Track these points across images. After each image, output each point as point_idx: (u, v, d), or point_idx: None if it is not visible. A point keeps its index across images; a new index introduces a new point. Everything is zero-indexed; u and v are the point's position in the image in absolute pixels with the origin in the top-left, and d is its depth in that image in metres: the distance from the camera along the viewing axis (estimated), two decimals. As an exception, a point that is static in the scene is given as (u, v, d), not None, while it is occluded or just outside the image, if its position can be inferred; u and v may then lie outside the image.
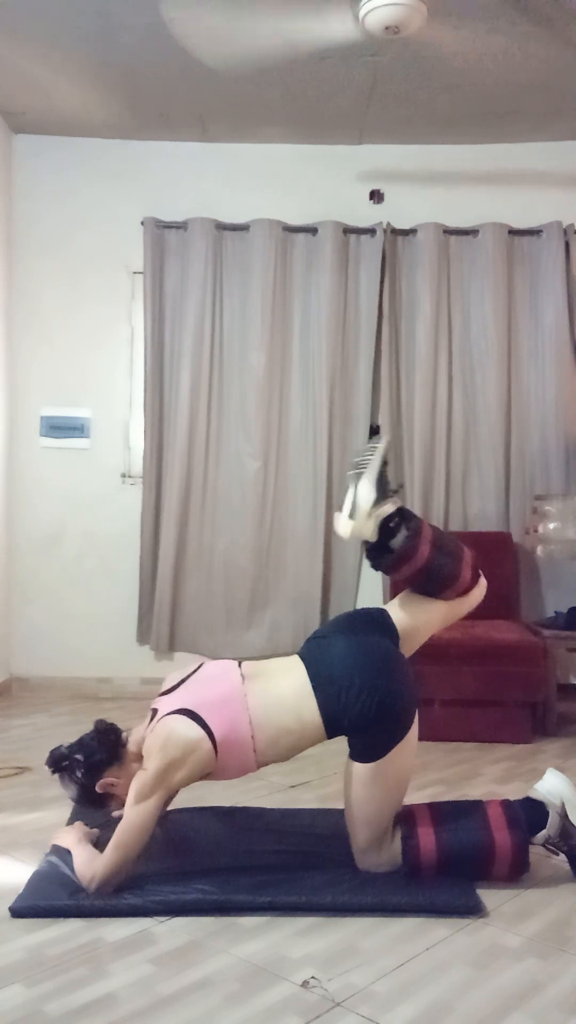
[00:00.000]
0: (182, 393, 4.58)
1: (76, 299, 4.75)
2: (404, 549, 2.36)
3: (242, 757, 2.27)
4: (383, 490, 2.38)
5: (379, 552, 2.41)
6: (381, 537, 2.38)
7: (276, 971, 1.94)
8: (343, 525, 2.38)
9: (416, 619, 2.48)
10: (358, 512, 2.35)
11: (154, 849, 2.44)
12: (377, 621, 2.47)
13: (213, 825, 2.72)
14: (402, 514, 2.39)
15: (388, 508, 2.37)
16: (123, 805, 2.32)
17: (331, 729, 2.29)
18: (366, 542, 2.42)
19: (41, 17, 3.60)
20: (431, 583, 2.45)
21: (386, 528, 2.37)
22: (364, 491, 2.36)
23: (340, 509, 2.40)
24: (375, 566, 2.47)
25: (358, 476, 2.38)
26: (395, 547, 2.36)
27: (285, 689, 2.31)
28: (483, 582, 2.54)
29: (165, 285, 4.67)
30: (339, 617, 2.63)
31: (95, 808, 2.41)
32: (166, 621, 4.56)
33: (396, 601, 2.54)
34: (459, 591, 2.47)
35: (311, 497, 4.61)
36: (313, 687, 2.29)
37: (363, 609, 2.61)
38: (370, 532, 2.37)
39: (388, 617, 2.48)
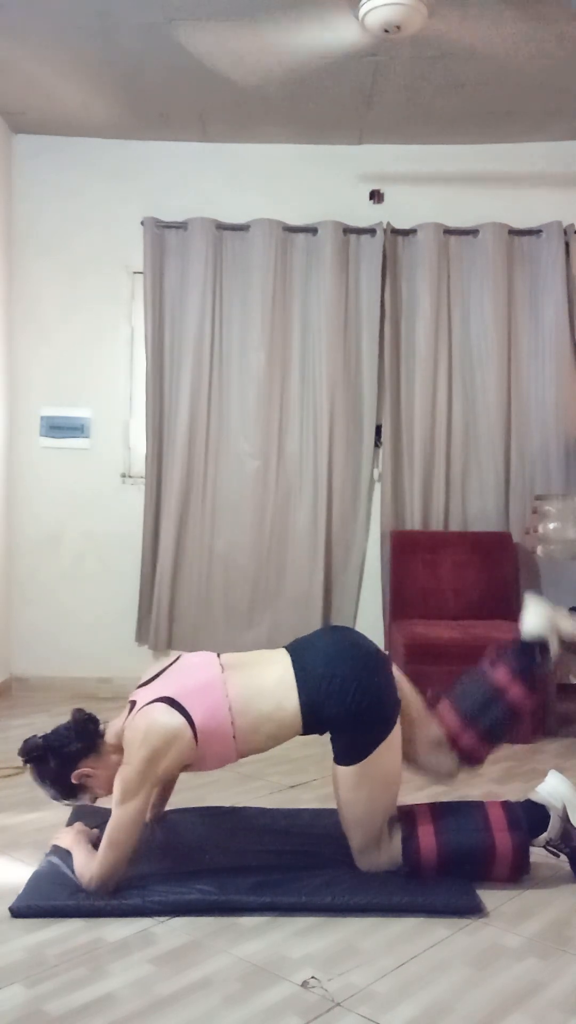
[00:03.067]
0: (182, 393, 4.58)
1: (76, 299, 4.75)
2: (540, 679, 2.50)
3: (222, 745, 2.26)
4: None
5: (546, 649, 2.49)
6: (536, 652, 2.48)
7: (276, 971, 1.94)
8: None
9: (405, 701, 2.41)
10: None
11: (154, 849, 2.45)
12: (376, 650, 2.44)
13: (213, 825, 2.72)
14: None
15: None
16: (96, 798, 2.33)
17: (309, 720, 2.27)
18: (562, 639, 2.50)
19: (41, 17, 3.60)
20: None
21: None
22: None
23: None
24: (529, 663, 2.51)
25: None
26: (542, 669, 2.47)
27: (267, 677, 2.31)
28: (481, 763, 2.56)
29: (165, 285, 4.67)
30: (336, 625, 2.65)
31: (69, 800, 2.37)
32: (165, 621, 4.57)
33: (403, 680, 2.48)
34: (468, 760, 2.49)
35: (311, 497, 4.61)
36: (296, 676, 2.29)
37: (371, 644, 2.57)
38: (565, 631, 2.48)
39: (388, 658, 2.47)
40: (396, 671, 2.43)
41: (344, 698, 2.24)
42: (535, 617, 2.50)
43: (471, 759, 2.47)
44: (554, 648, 2.43)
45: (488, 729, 2.45)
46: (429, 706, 2.50)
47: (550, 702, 3.97)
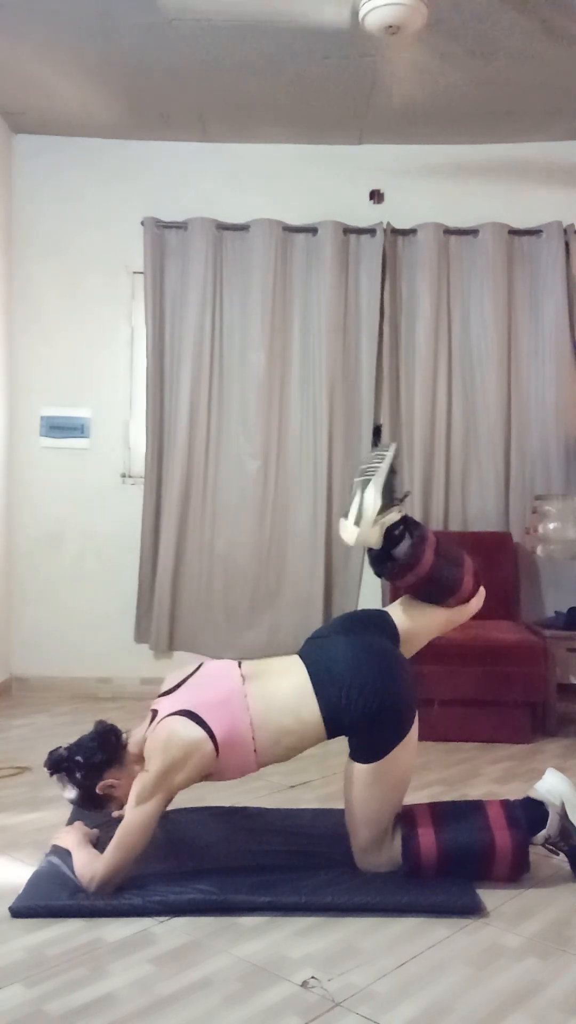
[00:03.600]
0: (182, 393, 4.58)
1: (76, 299, 4.75)
2: (408, 557, 2.36)
3: (243, 757, 2.27)
4: (389, 498, 2.37)
5: (383, 559, 2.41)
6: (386, 544, 2.38)
7: (276, 971, 1.94)
8: (348, 532, 2.37)
9: (416, 624, 2.48)
10: (363, 519, 2.35)
11: (154, 849, 2.44)
12: (378, 622, 2.47)
13: (213, 825, 2.72)
14: (407, 522, 2.39)
15: (393, 516, 2.37)
16: (122, 806, 2.32)
17: (331, 729, 2.29)
18: (370, 549, 2.43)
19: (41, 17, 3.60)
20: (434, 591, 2.45)
21: (391, 536, 2.37)
22: (370, 498, 2.35)
23: (345, 516, 2.39)
24: (378, 573, 2.47)
25: (364, 483, 2.38)
26: (399, 555, 2.36)
27: (285, 689, 2.31)
28: (482, 591, 2.54)
29: (165, 285, 4.67)
30: (340, 617, 2.63)
31: (94, 809, 2.41)
32: (165, 620, 4.56)
33: (397, 604, 2.55)
34: (460, 599, 2.47)
35: (311, 497, 4.61)
36: (314, 687, 2.29)
37: (364, 610, 2.62)
38: (375, 539, 2.36)
39: (389, 618, 2.48)
40: (397, 615, 2.47)
41: (364, 705, 2.24)
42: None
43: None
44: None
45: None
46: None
47: (550, 702, 3.97)
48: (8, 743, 3.75)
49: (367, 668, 2.28)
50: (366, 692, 2.24)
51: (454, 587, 2.44)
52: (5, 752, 3.58)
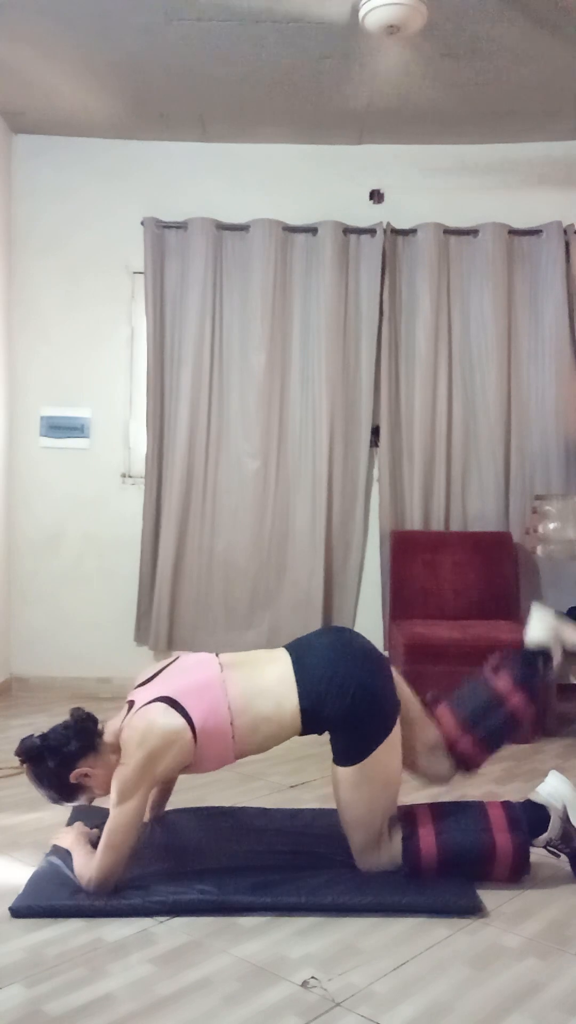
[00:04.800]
0: (182, 393, 4.58)
1: (76, 299, 4.75)
2: (542, 688, 2.50)
3: (221, 746, 2.26)
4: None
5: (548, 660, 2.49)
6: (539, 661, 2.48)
7: (276, 971, 1.94)
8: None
9: (404, 703, 2.42)
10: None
11: (154, 849, 2.45)
12: (377, 651, 2.45)
13: (213, 825, 2.72)
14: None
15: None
16: (94, 797, 2.30)
17: (308, 722, 2.28)
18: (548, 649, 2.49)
19: (41, 17, 3.60)
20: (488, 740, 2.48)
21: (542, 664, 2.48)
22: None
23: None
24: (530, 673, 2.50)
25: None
26: (544, 679, 2.47)
27: (267, 677, 2.31)
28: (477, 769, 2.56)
29: (165, 285, 4.67)
30: (336, 626, 2.66)
31: (66, 799, 2.33)
32: (165, 621, 4.56)
33: (402, 683, 2.49)
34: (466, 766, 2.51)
35: (311, 497, 4.60)
36: (296, 676, 2.29)
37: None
38: (569, 641, 2.48)
39: (387, 661, 2.48)
40: (395, 674, 2.43)
41: (343, 698, 2.24)
42: (540, 626, 2.50)
43: (468, 764, 2.48)
44: (557, 658, 2.43)
45: (486, 735, 2.45)
46: (428, 708, 2.50)
47: (550, 702, 3.97)
48: (8, 743, 3.74)
49: (349, 662, 2.30)
50: (346, 687, 2.24)
51: (501, 734, 2.49)
52: (5, 752, 3.58)
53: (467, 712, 2.47)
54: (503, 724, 2.45)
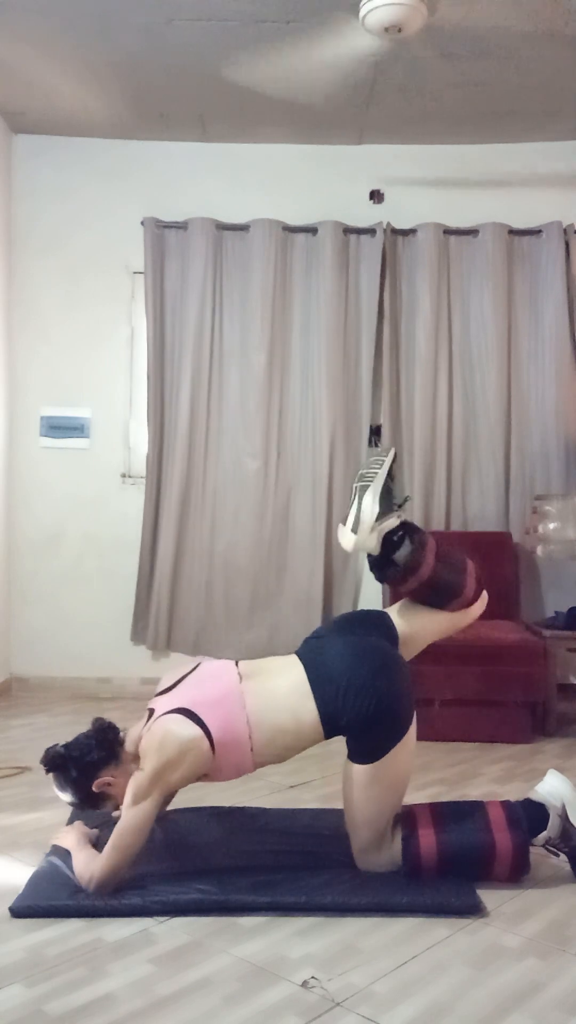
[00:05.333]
0: (182, 393, 4.58)
1: (76, 299, 4.75)
2: (408, 562, 2.35)
3: (239, 756, 2.27)
4: (388, 504, 2.36)
5: (383, 565, 2.40)
6: (385, 550, 2.37)
7: (276, 971, 1.94)
8: (346, 538, 2.36)
9: (416, 626, 2.48)
10: (361, 526, 2.33)
11: (154, 849, 2.45)
12: (377, 623, 2.47)
13: (213, 825, 2.72)
14: (406, 527, 2.38)
15: (392, 522, 2.36)
16: (118, 806, 2.32)
17: (329, 729, 2.29)
18: (370, 555, 2.42)
19: (41, 17, 3.60)
20: (435, 596, 2.45)
21: (390, 541, 2.36)
22: (368, 505, 2.34)
23: (344, 522, 2.38)
24: (379, 579, 2.47)
25: (363, 489, 2.37)
26: (399, 561, 2.35)
27: (283, 688, 2.31)
28: (484, 595, 2.53)
29: (165, 285, 4.67)
30: (339, 617, 2.63)
31: (91, 808, 2.40)
32: (164, 621, 4.56)
33: (397, 607, 2.54)
34: (463, 603, 2.47)
35: (311, 497, 4.61)
36: (311, 686, 2.29)
37: (364, 611, 2.61)
38: (373, 546, 2.35)
39: (389, 620, 2.48)
40: (395, 617, 2.46)
41: (360, 705, 2.23)
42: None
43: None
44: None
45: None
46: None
47: (550, 702, 3.97)
48: (8, 743, 3.74)
49: (364, 668, 2.28)
50: (363, 692, 2.24)
51: (456, 591, 2.43)
52: (5, 752, 3.58)
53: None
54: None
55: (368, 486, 2.37)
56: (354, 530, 2.34)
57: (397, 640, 2.43)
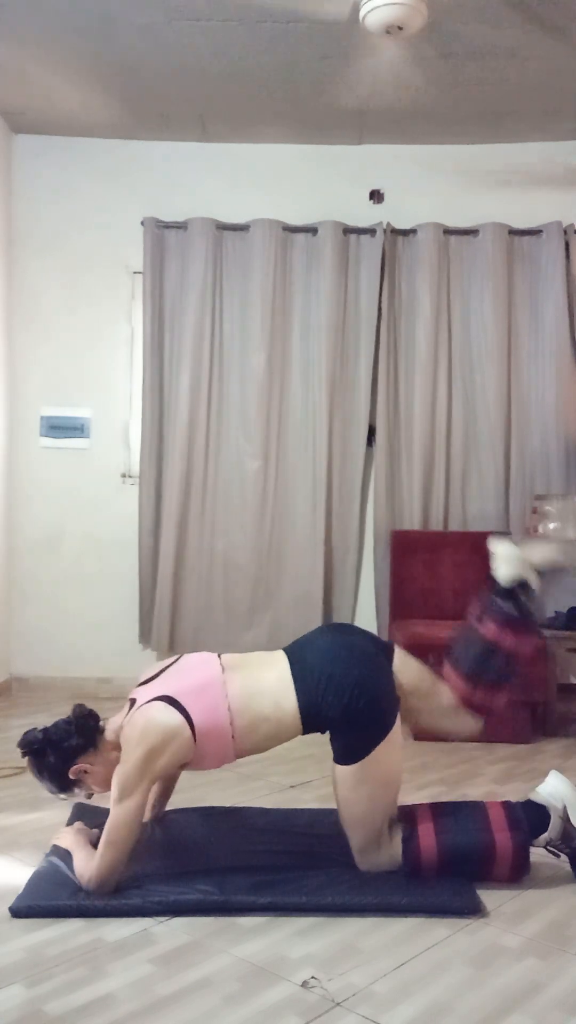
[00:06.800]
0: (182, 393, 4.58)
1: (76, 299, 4.75)
2: (530, 609, 2.44)
3: (220, 744, 2.27)
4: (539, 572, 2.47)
5: (515, 594, 2.44)
6: (525, 589, 2.44)
7: (276, 971, 1.94)
8: (508, 547, 2.46)
9: (413, 676, 2.44)
10: (552, 546, 2.50)
11: (154, 849, 2.45)
12: (375, 639, 2.48)
13: (213, 825, 2.72)
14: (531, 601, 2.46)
15: (536, 577, 2.45)
16: (92, 793, 2.34)
17: (309, 721, 2.28)
18: (510, 582, 2.45)
19: (41, 17, 3.60)
20: (491, 666, 2.46)
21: (521, 594, 2.45)
22: (549, 548, 2.51)
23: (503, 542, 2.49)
24: (503, 602, 2.46)
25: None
26: (528, 610, 2.43)
27: (267, 679, 2.32)
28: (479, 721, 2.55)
29: (165, 285, 4.67)
30: (336, 623, 2.64)
31: (64, 792, 2.37)
32: (167, 621, 4.56)
33: (404, 654, 2.50)
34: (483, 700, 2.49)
35: (311, 497, 4.61)
36: (293, 677, 2.30)
37: (369, 632, 2.59)
38: (541, 558, 2.46)
39: (392, 645, 2.48)
40: (399, 652, 2.44)
41: (341, 698, 2.24)
42: (507, 561, 2.47)
43: (488, 711, 2.48)
44: (534, 584, 2.41)
45: (495, 679, 2.44)
46: (438, 674, 2.50)
47: (550, 702, 3.97)
48: (8, 743, 3.73)
49: (346, 662, 2.29)
50: (343, 687, 2.24)
51: (507, 675, 2.46)
52: (5, 752, 3.58)
53: (468, 667, 2.46)
54: (505, 664, 2.43)
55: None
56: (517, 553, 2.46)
57: (392, 655, 2.43)
